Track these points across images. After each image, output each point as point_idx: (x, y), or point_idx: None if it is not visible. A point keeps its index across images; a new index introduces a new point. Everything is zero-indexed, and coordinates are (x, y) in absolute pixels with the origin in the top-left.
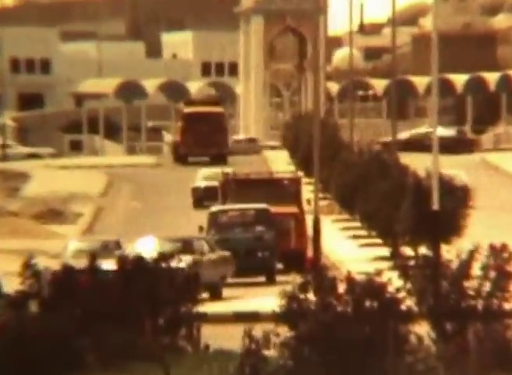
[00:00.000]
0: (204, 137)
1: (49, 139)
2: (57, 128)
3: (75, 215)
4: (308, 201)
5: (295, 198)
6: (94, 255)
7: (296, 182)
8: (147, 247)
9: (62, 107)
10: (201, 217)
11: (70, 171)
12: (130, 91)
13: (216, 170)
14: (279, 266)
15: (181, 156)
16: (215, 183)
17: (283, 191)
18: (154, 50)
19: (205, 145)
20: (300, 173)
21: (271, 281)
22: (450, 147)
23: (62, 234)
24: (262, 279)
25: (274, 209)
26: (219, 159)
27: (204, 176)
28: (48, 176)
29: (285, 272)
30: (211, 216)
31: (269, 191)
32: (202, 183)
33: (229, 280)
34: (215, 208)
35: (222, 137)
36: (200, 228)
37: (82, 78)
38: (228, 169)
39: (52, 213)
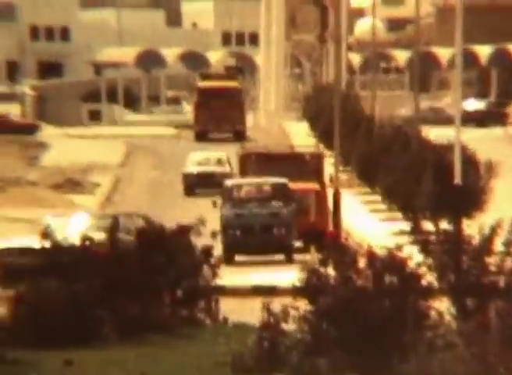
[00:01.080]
0: (220, 113)
1: (68, 108)
2: (76, 97)
3: (93, 185)
4: (331, 179)
5: (317, 173)
6: (114, 226)
7: (318, 157)
8: (78, 224)
9: (81, 76)
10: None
11: (89, 141)
12: (150, 60)
13: (209, 154)
14: (299, 244)
15: (198, 133)
16: (209, 169)
17: (305, 166)
18: (174, 19)
19: (221, 122)
20: (321, 147)
21: (289, 260)
22: (482, 120)
23: (80, 204)
24: (280, 257)
25: (295, 185)
26: (238, 136)
27: (196, 161)
28: (67, 146)
29: (305, 250)
30: (225, 190)
31: (290, 166)
32: (195, 169)
33: (246, 258)
34: (229, 181)
35: (239, 113)
36: (214, 203)
37: (101, 46)
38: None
39: (71, 183)
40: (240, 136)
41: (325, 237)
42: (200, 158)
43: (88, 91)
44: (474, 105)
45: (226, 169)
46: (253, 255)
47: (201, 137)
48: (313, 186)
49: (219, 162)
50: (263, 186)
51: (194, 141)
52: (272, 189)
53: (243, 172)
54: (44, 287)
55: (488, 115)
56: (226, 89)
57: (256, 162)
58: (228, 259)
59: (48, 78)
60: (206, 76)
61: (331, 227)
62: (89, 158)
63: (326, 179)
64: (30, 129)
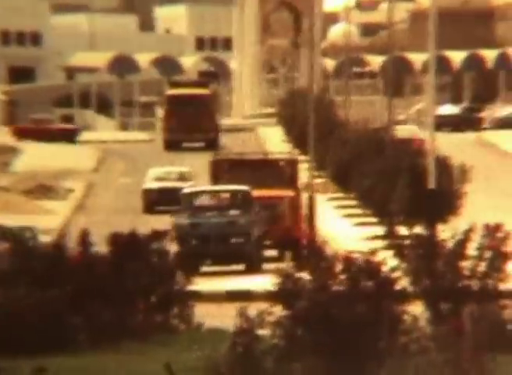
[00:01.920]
0: (190, 121)
1: (39, 113)
2: (48, 102)
3: (66, 191)
4: (306, 184)
5: (291, 180)
6: (86, 231)
7: (292, 163)
8: None
9: (53, 81)
10: None
11: (61, 146)
12: (123, 65)
13: (171, 169)
14: (273, 253)
15: (168, 142)
16: (170, 185)
17: (279, 172)
18: (147, 23)
19: (191, 131)
20: (296, 153)
21: (251, 270)
22: (457, 125)
23: (52, 210)
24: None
25: (268, 192)
26: (210, 145)
27: (156, 176)
28: (39, 151)
29: (280, 259)
30: (183, 198)
31: (264, 172)
32: (154, 185)
33: (206, 269)
34: (188, 189)
35: (210, 121)
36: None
37: (73, 51)
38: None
39: (43, 189)
40: (212, 144)
41: (301, 243)
42: (160, 173)
43: (60, 96)
44: (449, 109)
45: (190, 185)
46: (211, 266)
47: (171, 146)
48: (287, 192)
49: (182, 177)
50: (222, 194)
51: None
52: (231, 197)
53: (215, 179)
54: (16, 293)
55: (462, 120)
56: (197, 96)
57: (228, 169)
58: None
59: (19, 83)
60: (176, 84)
61: (306, 233)
62: (61, 163)
63: (301, 185)
64: (71, 134)
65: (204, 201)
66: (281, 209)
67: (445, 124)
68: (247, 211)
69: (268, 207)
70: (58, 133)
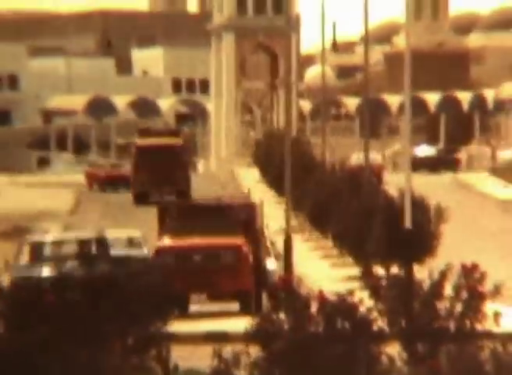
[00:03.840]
0: (160, 173)
1: (16, 155)
2: (24, 145)
3: (43, 233)
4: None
5: (246, 227)
6: (60, 269)
7: (249, 208)
8: None
9: (30, 123)
10: None
11: (38, 188)
12: (100, 107)
13: (119, 233)
14: (236, 306)
15: (137, 196)
16: (118, 253)
17: (232, 218)
18: (124, 66)
19: (161, 183)
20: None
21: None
22: (433, 166)
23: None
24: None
25: (216, 240)
26: (180, 198)
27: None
28: (15, 194)
29: (242, 313)
30: (30, 248)
31: (215, 218)
32: None
33: None
34: (30, 236)
35: (182, 172)
36: (6, 262)
37: (51, 94)
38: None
39: (19, 231)
40: (183, 197)
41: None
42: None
43: (37, 139)
44: (425, 150)
45: (141, 252)
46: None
47: (140, 200)
48: (235, 240)
49: (131, 243)
50: (70, 242)
51: (133, 205)
52: (79, 246)
53: (162, 226)
54: None
55: (438, 161)
56: (168, 147)
57: (177, 215)
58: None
59: None
60: (145, 133)
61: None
62: (38, 205)
63: (264, 230)
64: None
65: (48, 250)
66: (226, 259)
67: (421, 165)
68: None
69: (211, 256)
70: None
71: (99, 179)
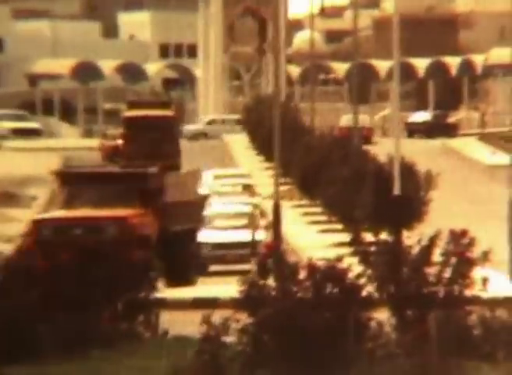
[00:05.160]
0: (150, 146)
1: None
2: (11, 108)
3: (30, 198)
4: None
5: (139, 197)
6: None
7: (141, 177)
8: None
9: (16, 87)
10: None
11: (24, 153)
12: (86, 72)
13: None
14: None
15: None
16: None
17: (124, 188)
18: (110, 30)
19: (151, 157)
20: (154, 168)
21: None
22: (430, 131)
23: (15, 218)
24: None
25: (98, 212)
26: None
27: None
28: (2, 159)
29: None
30: None
31: (108, 188)
32: None
33: None
34: None
35: (173, 145)
36: None
37: (36, 58)
38: None
39: (6, 196)
40: (173, 171)
41: (266, 249)
42: None
43: (23, 103)
44: (422, 116)
45: None
46: None
47: None
48: (121, 212)
49: None
50: None
51: None
52: None
53: (57, 195)
54: None
55: (436, 126)
56: (158, 118)
57: (74, 182)
58: None
59: None
60: (134, 105)
61: (266, 240)
62: (24, 171)
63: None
64: None
65: None
66: (109, 232)
67: (418, 131)
68: None
69: (94, 230)
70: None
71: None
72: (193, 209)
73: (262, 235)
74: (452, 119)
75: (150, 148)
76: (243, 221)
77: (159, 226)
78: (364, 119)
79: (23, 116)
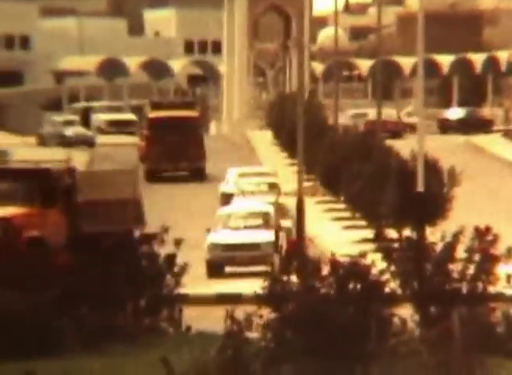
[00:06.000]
0: (175, 148)
1: (28, 116)
2: (37, 105)
3: None
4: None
5: (40, 196)
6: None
7: (43, 175)
8: None
9: (42, 84)
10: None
11: (50, 149)
12: (112, 68)
13: None
14: None
15: (149, 172)
16: None
17: (21, 186)
18: (136, 27)
19: (176, 159)
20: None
21: None
22: (465, 128)
23: None
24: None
25: None
26: (196, 175)
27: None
28: (27, 155)
29: None
30: None
31: (4, 185)
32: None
33: None
34: None
35: (197, 147)
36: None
37: (62, 55)
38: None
39: None
40: (198, 174)
41: (289, 245)
42: None
43: (49, 100)
44: (457, 113)
45: None
46: None
47: (152, 176)
48: (5, 212)
49: None
50: None
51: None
52: None
53: None
54: (4, 297)
55: (471, 122)
56: (182, 119)
57: None
58: None
59: (8, 87)
60: (158, 105)
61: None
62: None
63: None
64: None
65: None
66: None
67: (452, 127)
68: None
69: None
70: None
71: None
72: (122, 209)
73: (272, 236)
74: (486, 114)
75: (174, 150)
76: (258, 221)
77: (70, 226)
78: (392, 114)
79: (119, 107)
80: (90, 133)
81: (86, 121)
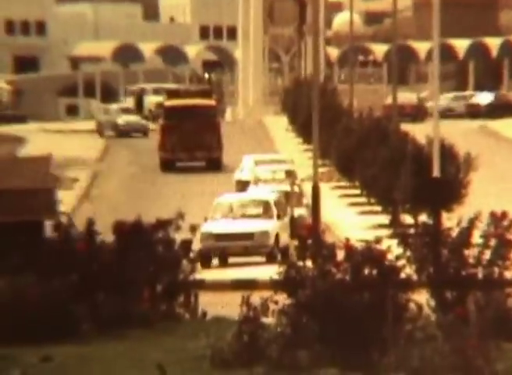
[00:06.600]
0: (191, 138)
1: (44, 102)
2: (52, 91)
3: (71, 180)
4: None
5: None
6: (91, 220)
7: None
8: None
9: (58, 70)
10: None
11: (66, 135)
12: (127, 54)
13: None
14: None
15: (165, 162)
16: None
17: None
18: (151, 13)
19: (192, 149)
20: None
21: None
22: (492, 112)
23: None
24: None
25: None
26: (212, 165)
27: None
28: (44, 141)
29: None
30: None
31: None
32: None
33: None
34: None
35: (214, 137)
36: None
37: (78, 41)
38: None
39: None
40: (215, 164)
41: (305, 231)
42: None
43: (65, 86)
44: (487, 97)
45: None
46: None
47: (168, 166)
48: None
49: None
50: None
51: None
52: None
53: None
54: (20, 282)
55: (498, 106)
56: (198, 108)
57: None
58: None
59: (24, 72)
60: (174, 93)
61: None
62: (66, 153)
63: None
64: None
65: None
66: None
67: (480, 112)
68: None
69: None
70: None
71: None
72: (31, 198)
73: (272, 225)
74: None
75: (189, 139)
76: (258, 210)
77: None
78: (411, 98)
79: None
80: (144, 121)
81: (140, 105)
